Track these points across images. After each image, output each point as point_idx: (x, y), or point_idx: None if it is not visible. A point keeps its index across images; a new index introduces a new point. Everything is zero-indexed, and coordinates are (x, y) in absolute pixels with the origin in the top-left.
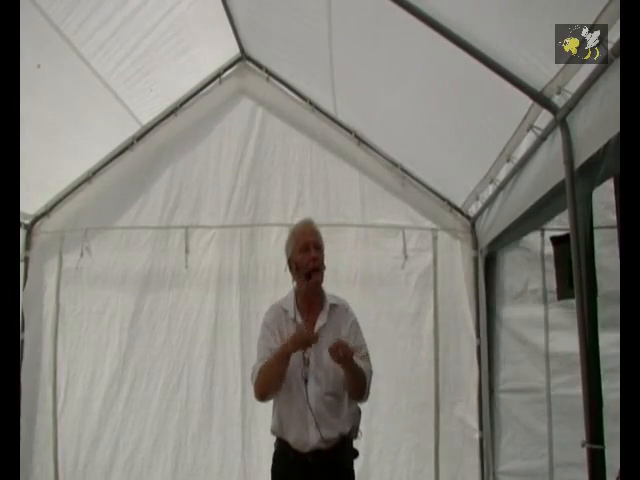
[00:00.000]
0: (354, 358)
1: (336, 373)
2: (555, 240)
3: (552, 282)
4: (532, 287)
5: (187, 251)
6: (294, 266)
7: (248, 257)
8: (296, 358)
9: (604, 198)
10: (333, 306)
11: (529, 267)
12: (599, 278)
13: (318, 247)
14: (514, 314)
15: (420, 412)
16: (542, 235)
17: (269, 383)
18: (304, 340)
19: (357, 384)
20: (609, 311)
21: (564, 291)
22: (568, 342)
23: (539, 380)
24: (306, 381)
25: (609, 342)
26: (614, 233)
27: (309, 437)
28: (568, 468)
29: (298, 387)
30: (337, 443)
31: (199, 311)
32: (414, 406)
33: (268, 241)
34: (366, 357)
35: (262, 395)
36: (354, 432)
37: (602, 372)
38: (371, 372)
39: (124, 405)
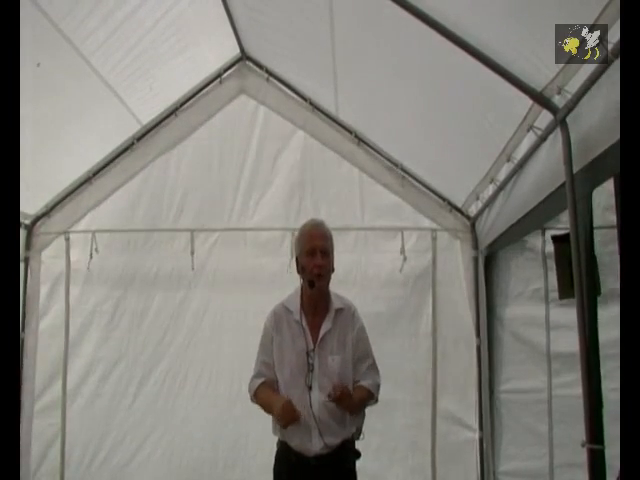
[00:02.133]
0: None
1: (340, 379)
2: (556, 239)
3: (554, 281)
4: (533, 287)
5: (192, 253)
6: (300, 266)
7: (253, 259)
8: (300, 365)
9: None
10: (339, 310)
11: (530, 266)
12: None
13: (325, 252)
14: (515, 314)
15: (418, 411)
16: (543, 234)
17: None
18: (288, 419)
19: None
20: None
21: (566, 290)
22: (570, 342)
23: (540, 380)
24: (310, 388)
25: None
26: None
27: (312, 444)
28: (569, 469)
29: (302, 394)
30: (340, 446)
31: (204, 312)
32: (411, 405)
33: (273, 244)
34: (372, 367)
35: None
36: (357, 433)
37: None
38: (378, 385)
39: (131, 403)
